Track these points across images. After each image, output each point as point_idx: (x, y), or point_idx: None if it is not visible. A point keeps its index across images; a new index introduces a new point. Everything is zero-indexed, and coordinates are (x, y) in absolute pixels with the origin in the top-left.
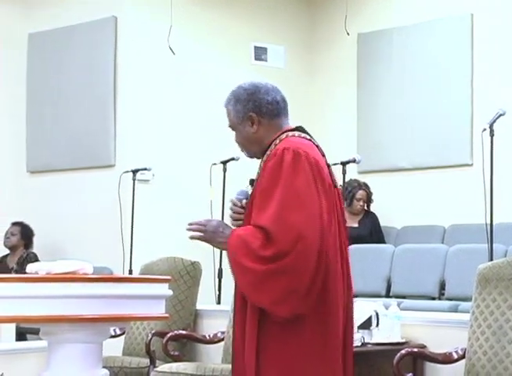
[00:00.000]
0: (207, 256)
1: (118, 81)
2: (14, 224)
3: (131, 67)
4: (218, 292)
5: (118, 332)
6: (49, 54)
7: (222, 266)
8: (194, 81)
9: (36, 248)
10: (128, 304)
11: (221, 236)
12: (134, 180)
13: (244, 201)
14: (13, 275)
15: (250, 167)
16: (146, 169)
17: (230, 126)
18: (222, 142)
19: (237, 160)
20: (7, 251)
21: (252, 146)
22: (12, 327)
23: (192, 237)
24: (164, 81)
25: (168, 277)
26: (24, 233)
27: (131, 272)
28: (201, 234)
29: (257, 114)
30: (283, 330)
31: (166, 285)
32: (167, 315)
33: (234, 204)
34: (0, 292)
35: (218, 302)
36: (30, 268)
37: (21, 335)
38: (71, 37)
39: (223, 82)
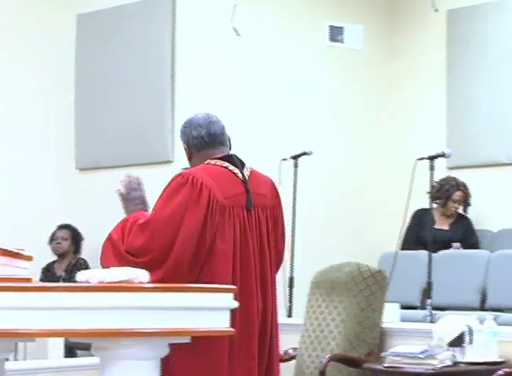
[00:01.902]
0: None
1: (176, 68)
2: (62, 227)
3: (190, 52)
4: (288, 304)
5: None
6: (100, 38)
7: (294, 274)
8: (261, 66)
9: (85, 254)
10: (189, 316)
11: (131, 208)
12: None
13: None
14: (62, 284)
15: (324, 162)
16: None
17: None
18: (293, 135)
19: (310, 154)
20: (52, 257)
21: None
22: (60, 341)
23: (118, 190)
24: (228, 66)
25: (233, 286)
26: (74, 238)
27: None
28: (123, 192)
29: (187, 146)
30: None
31: (230, 295)
32: (232, 329)
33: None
34: (47, 303)
35: (289, 315)
36: (81, 276)
37: (70, 351)
38: (124, 19)
39: (294, 67)
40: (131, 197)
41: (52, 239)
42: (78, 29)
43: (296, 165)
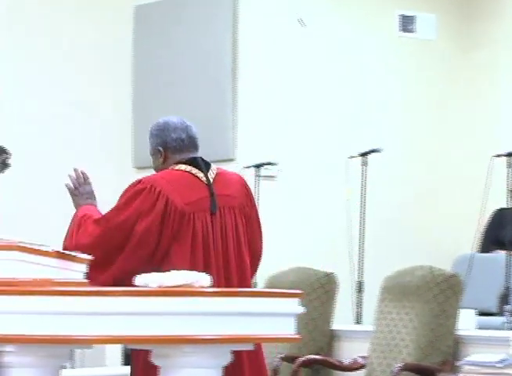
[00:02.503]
0: (343, 266)
1: (238, 61)
2: None
3: (252, 44)
4: (357, 309)
5: None
6: (158, 30)
7: (363, 278)
8: (328, 59)
9: None
10: (252, 322)
11: (80, 202)
12: (257, 176)
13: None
14: (120, 288)
15: (394, 160)
16: (270, 164)
17: (150, 155)
18: (361, 131)
19: (380, 152)
20: None
21: None
22: (118, 348)
23: (66, 185)
24: (292, 59)
25: (299, 291)
26: None
27: (254, 285)
28: (71, 187)
29: (163, 149)
30: None
31: (296, 300)
32: (297, 336)
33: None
34: (105, 308)
35: (358, 322)
36: (139, 280)
37: (129, 358)
38: (183, 11)
39: (362, 60)
40: (80, 191)
41: None
42: (136, 21)
43: (365, 163)
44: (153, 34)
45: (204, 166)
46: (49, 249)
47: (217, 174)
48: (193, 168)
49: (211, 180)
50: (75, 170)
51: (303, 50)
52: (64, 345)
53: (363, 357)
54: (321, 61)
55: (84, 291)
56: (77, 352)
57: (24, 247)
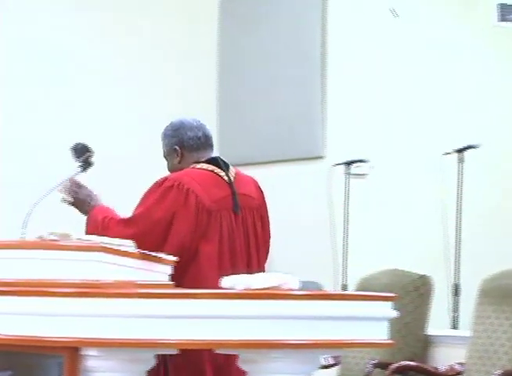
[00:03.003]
0: (438, 268)
1: (327, 55)
2: None
3: (342, 37)
4: (453, 313)
5: (331, 361)
6: (244, 25)
7: (459, 281)
8: (421, 51)
9: None
10: (343, 327)
11: (86, 209)
12: (347, 174)
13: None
14: (205, 290)
15: (493, 156)
16: (362, 161)
17: (164, 156)
18: (457, 126)
19: (477, 148)
20: None
21: None
22: None
23: (64, 200)
24: (384, 51)
25: (392, 294)
26: None
27: (345, 287)
28: (71, 200)
29: (180, 148)
30: None
31: (389, 304)
32: (390, 341)
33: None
34: (190, 311)
35: (454, 326)
36: (225, 282)
37: None
38: (270, 3)
39: (457, 51)
40: (79, 197)
41: None
42: (221, 15)
43: (461, 160)
44: (238, 28)
45: (224, 165)
46: (132, 250)
47: (235, 174)
48: (215, 167)
49: (232, 179)
50: (61, 183)
51: (395, 42)
52: (148, 350)
53: (460, 364)
54: (414, 53)
55: (169, 293)
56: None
57: (107, 247)
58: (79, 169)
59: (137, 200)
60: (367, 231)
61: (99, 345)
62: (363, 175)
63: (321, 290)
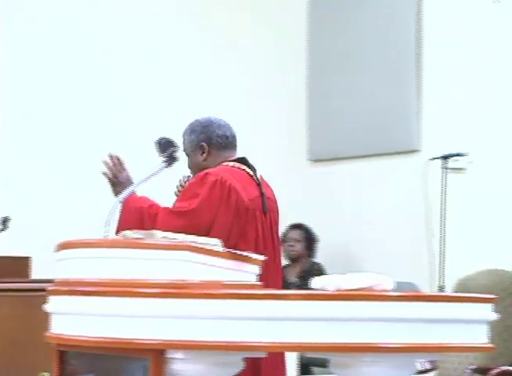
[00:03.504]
0: None
1: (422, 44)
2: (295, 227)
3: (438, 26)
4: None
5: (427, 366)
6: (335, 15)
7: None
8: None
9: (320, 258)
10: (441, 330)
11: (122, 192)
12: (444, 169)
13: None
14: (295, 292)
15: None
16: (460, 155)
17: (184, 151)
18: None
19: None
20: (284, 261)
21: (199, 171)
22: (293, 356)
23: (104, 173)
24: (482, 39)
25: (492, 296)
26: (308, 239)
27: (442, 288)
28: (110, 176)
29: (207, 145)
30: None
31: (489, 306)
32: (490, 345)
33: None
34: (278, 312)
35: None
36: (316, 283)
37: (305, 368)
38: None
39: None
40: (120, 179)
41: (283, 240)
42: (310, 6)
43: None
44: (328, 19)
45: (252, 167)
46: (220, 249)
47: (260, 175)
48: (246, 167)
49: (260, 181)
50: (111, 156)
51: (494, 30)
52: (236, 353)
53: None
54: None
55: (258, 294)
56: None
57: (194, 246)
58: (163, 164)
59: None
60: (465, 229)
61: (186, 348)
62: (461, 169)
63: (417, 291)
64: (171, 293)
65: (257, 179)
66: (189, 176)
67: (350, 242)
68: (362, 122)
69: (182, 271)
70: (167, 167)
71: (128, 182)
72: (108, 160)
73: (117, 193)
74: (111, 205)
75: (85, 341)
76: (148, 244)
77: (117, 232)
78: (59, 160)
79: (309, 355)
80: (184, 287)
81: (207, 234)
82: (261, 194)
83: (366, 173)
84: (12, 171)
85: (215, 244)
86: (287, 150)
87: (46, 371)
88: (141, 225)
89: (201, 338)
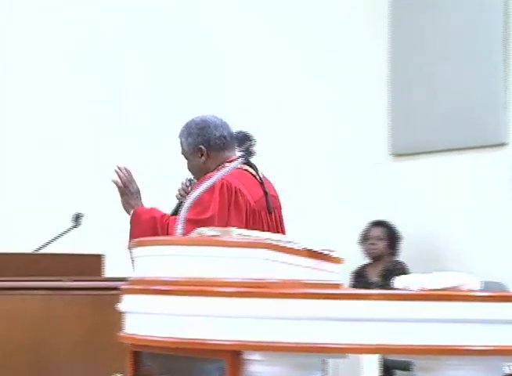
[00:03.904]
0: None
1: (510, 32)
2: (376, 224)
3: None
4: None
5: None
6: (420, 2)
7: None
8: None
9: (403, 256)
10: None
11: (132, 202)
12: None
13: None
14: (376, 291)
15: None
16: None
17: (182, 154)
18: None
19: None
20: (364, 260)
21: (200, 174)
22: (375, 359)
23: (115, 182)
24: None
25: None
26: (391, 237)
27: None
28: (121, 186)
29: (205, 147)
30: None
31: None
32: None
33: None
34: (359, 313)
35: None
36: (398, 282)
37: (388, 371)
38: None
39: None
40: (131, 190)
41: (365, 238)
42: None
43: None
44: (412, 7)
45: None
46: (299, 247)
47: (261, 173)
48: (249, 167)
49: (262, 180)
50: (120, 168)
51: None
52: (316, 355)
53: None
54: None
55: (339, 293)
56: (330, 362)
57: (273, 244)
58: (240, 159)
59: None
60: None
61: (263, 349)
62: None
63: (505, 291)
64: (248, 292)
65: (260, 178)
66: (190, 180)
67: (434, 240)
68: (445, 115)
69: (260, 269)
70: (244, 161)
71: (138, 194)
72: (119, 171)
73: (126, 203)
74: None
75: (160, 341)
76: (225, 241)
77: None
78: (134, 157)
79: (392, 358)
80: (262, 286)
81: None
82: (265, 194)
83: (450, 168)
84: (86, 167)
85: (289, 240)
86: (368, 144)
87: (120, 372)
88: (154, 236)
89: (279, 339)
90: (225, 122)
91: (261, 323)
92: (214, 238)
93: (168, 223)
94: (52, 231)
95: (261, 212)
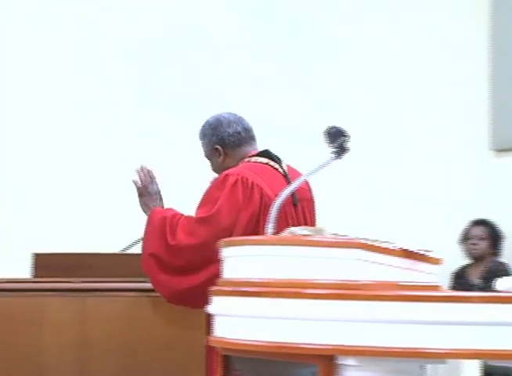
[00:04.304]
0: None
1: None
2: (478, 223)
3: None
4: None
5: None
6: None
7: None
8: None
9: (506, 257)
10: None
11: (151, 204)
12: None
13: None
14: (477, 293)
15: None
16: None
17: (205, 156)
18: None
19: None
20: (465, 260)
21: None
22: (476, 364)
23: (134, 182)
24: None
25: None
26: (493, 236)
27: None
28: (140, 186)
29: (221, 146)
30: None
31: None
32: None
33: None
34: (461, 316)
35: None
36: (501, 284)
37: None
38: None
39: None
40: (150, 191)
41: (466, 238)
42: None
43: None
44: None
45: (276, 158)
46: (395, 247)
47: (287, 166)
48: (270, 160)
49: (287, 172)
50: (142, 168)
51: None
52: (414, 360)
53: None
54: None
55: (437, 296)
56: (428, 367)
57: (367, 244)
58: (333, 155)
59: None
60: None
61: (358, 354)
62: None
63: None
64: (342, 294)
65: (284, 171)
66: None
67: None
68: None
69: (354, 270)
70: (337, 158)
71: (157, 195)
72: (140, 171)
73: (144, 204)
74: (276, 203)
75: (251, 345)
76: (317, 241)
77: (143, 248)
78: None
79: (493, 363)
80: (356, 288)
81: (230, 236)
82: (289, 183)
83: None
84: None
85: (386, 240)
86: (469, 140)
87: None
88: (163, 236)
89: (375, 344)
90: (239, 117)
91: (356, 326)
92: (306, 238)
93: (178, 222)
94: (139, 230)
95: (285, 206)
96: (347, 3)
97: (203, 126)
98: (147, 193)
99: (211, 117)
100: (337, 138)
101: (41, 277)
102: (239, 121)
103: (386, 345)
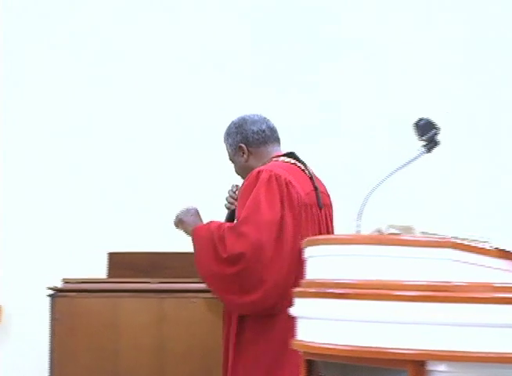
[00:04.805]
0: None
1: None
2: None
3: None
4: None
5: None
6: None
7: None
8: None
9: None
10: None
11: (192, 219)
12: None
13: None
14: None
15: None
16: None
17: (229, 159)
18: None
19: None
20: None
21: (246, 174)
22: None
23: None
24: None
25: None
26: None
27: None
28: (179, 216)
29: (245, 144)
30: (257, 329)
31: None
32: None
33: (231, 190)
34: None
35: None
36: None
37: None
38: None
39: None
40: (186, 219)
41: None
42: None
43: None
44: None
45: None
46: (490, 246)
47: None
48: (296, 161)
49: (312, 175)
50: (187, 209)
51: None
52: (509, 366)
53: None
54: None
55: None
56: None
57: (459, 243)
58: (423, 149)
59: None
60: None
61: (450, 359)
62: None
63: None
64: (433, 296)
65: (310, 173)
66: (237, 186)
67: None
68: None
69: (446, 271)
70: (427, 152)
71: (198, 217)
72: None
73: (185, 226)
74: (363, 196)
75: (336, 349)
76: (406, 240)
77: (198, 266)
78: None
79: None
80: (449, 289)
81: (278, 236)
82: (315, 188)
83: None
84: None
85: (485, 240)
86: None
87: None
88: (214, 250)
89: (468, 349)
90: (264, 117)
91: (448, 330)
92: (393, 236)
93: (224, 233)
94: None
95: (313, 207)
96: (349, 3)
97: (228, 127)
98: (184, 220)
99: (236, 118)
100: (426, 130)
101: (117, 277)
102: (264, 120)
103: (480, 350)
